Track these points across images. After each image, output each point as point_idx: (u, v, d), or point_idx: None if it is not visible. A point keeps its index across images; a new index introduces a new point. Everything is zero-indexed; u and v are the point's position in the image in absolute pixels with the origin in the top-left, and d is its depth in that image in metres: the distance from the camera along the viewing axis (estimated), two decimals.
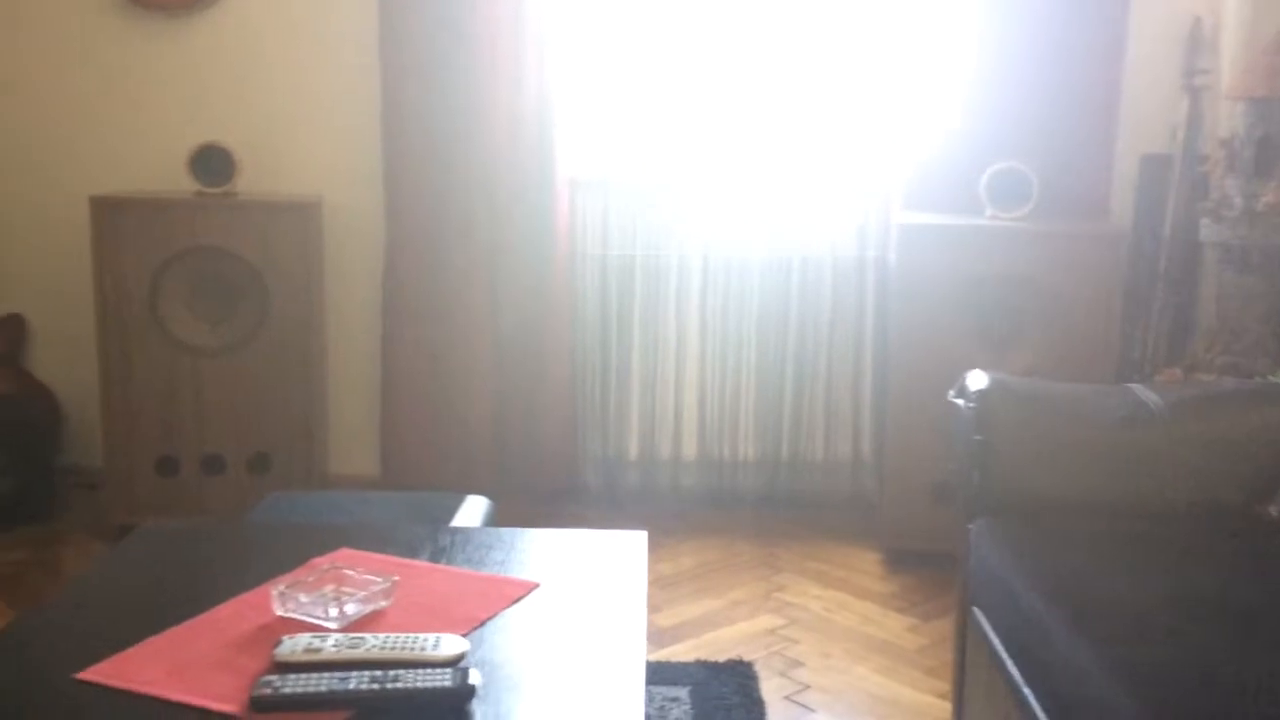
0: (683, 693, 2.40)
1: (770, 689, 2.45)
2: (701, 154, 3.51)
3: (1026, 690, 1.72)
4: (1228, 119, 3.10)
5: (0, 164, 3.52)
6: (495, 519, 2.24)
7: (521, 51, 3.34)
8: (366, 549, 1.71)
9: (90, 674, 1.30)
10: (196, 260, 3.19)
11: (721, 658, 2.56)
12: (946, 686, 2.42)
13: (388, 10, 3.34)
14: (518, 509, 3.31)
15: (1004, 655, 1.84)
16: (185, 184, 3.25)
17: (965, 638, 2.11)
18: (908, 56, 3.36)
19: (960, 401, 2.13)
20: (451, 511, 2.22)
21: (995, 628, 1.91)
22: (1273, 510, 1.98)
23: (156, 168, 3.43)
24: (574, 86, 3.41)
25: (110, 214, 3.12)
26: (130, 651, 1.35)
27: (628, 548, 1.78)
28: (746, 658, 2.57)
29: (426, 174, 3.39)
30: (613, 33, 3.46)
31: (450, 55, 3.32)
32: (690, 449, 3.63)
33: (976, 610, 2.02)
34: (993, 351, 3.07)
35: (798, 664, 2.58)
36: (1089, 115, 3.28)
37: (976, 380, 2.14)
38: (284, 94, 3.48)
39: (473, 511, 2.25)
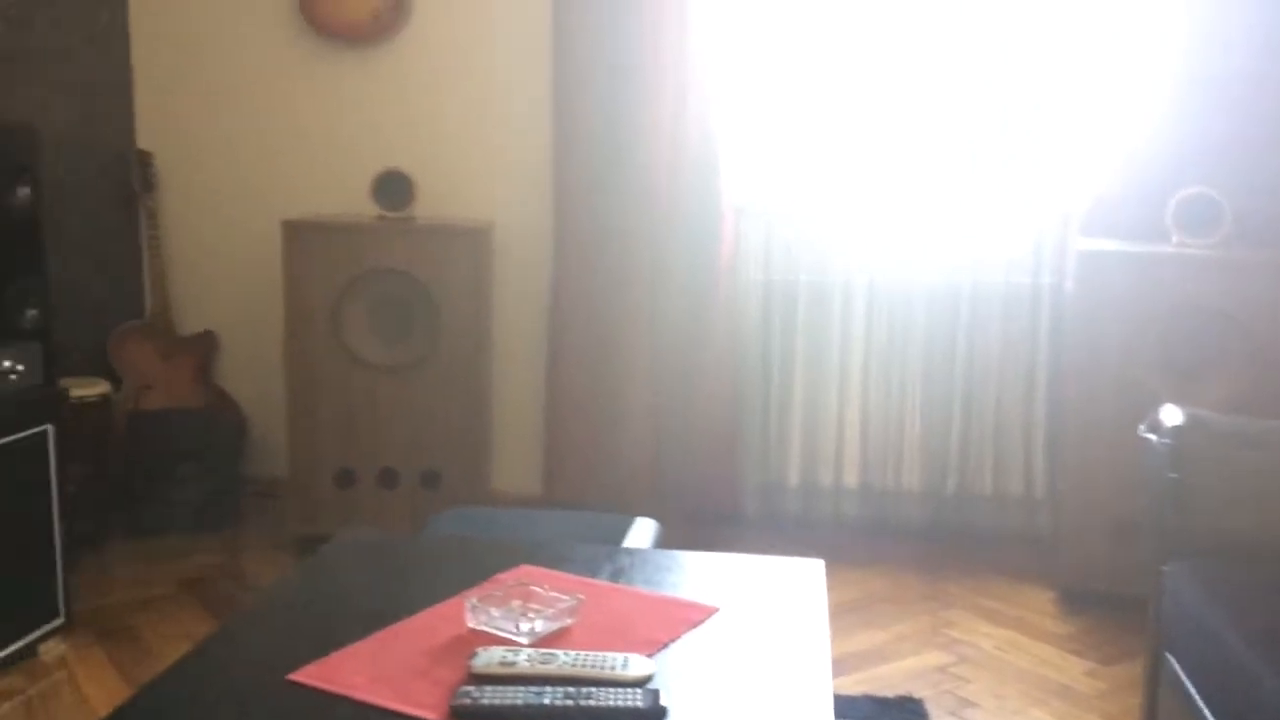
0: None
1: None
2: (868, 178, 3.48)
3: None
4: None
5: (198, 190, 3.75)
6: (663, 542, 2.25)
7: (685, 82, 3.37)
8: (547, 566, 1.74)
9: (301, 675, 1.36)
10: (376, 282, 3.32)
11: (890, 693, 2.51)
12: None
13: (559, 43, 3.42)
14: (678, 532, 3.32)
15: (1202, 706, 1.75)
16: (367, 208, 3.39)
17: (1156, 684, 2.01)
18: (1091, 75, 3.25)
19: (1153, 437, 2.04)
20: (622, 532, 2.25)
21: (1191, 675, 1.82)
22: None
23: (341, 193, 3.60)
24: (738, 114, 3.42)
25: (300, 237, 3.28)
26: (335, 656, 1.41)
27: (805, 576, 1.77)
28: (916, 694, 2.51)
29: (593, 201, 3.45)
30: (779, 58, 3.46)
31: (618, 87, 3.38)
32: (852, 477, 3.58)
33: (1170, 657, 1.92)
34: (1180, 386, 2.92)
35: (970, 704, 2.51)
36: None
37: (1171, 415, 2.05)
38: (460, 122, 3.60)
39: (642, 533, 2.27)
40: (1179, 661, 1.88)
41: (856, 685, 2.56)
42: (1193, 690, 1.80)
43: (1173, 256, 2.96)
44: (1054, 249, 3.38)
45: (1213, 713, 1.71)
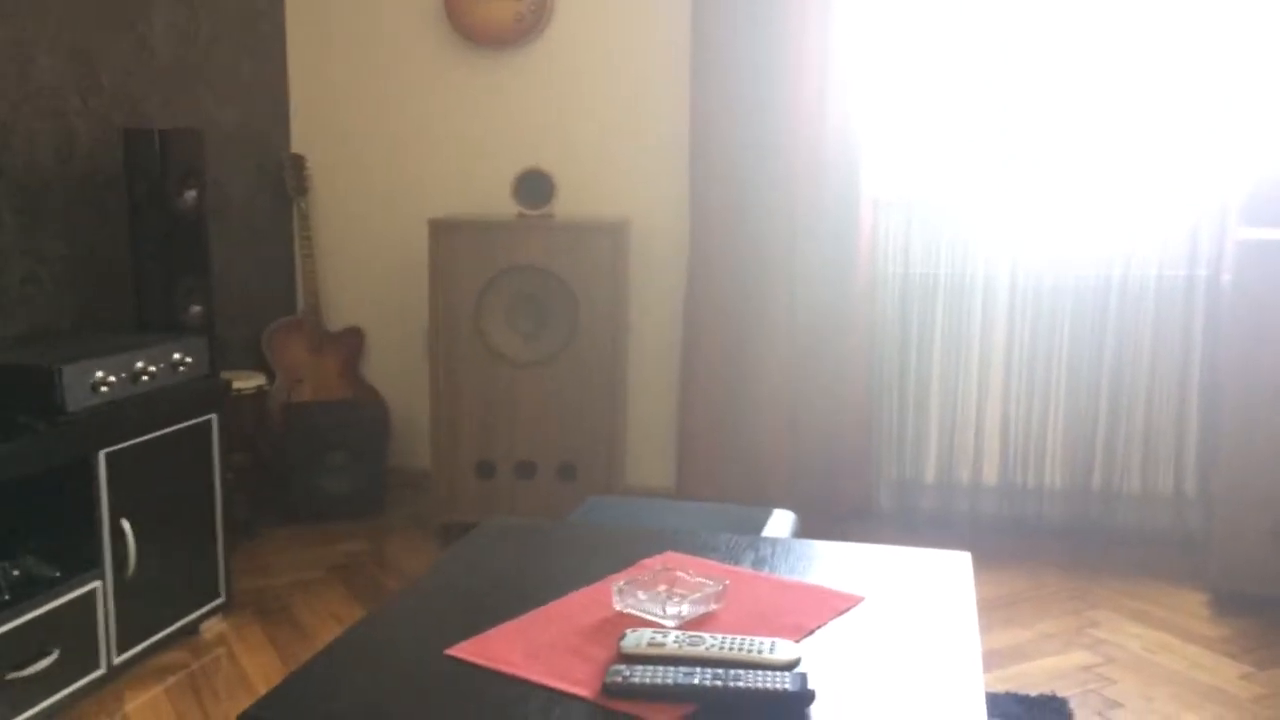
0: None
1: None
2: (1010, 166, 3.40)
3: None
4: None
5: (348, 191, 3.90)
6: (801, 533, 2.26)
7: (826, 74, 3.36)
8: (691, 553, 1.77)
9: (458, 650, 1.41)
10: (516, 278, 3.40)
11: (1033, 691, 2.46)
12: None
13: (699, 41, 3.44)
14: (812, 526, 3.31)
15: None
16: (509, 206, 3.48)
17: None
18: (1256, 52, 3.10)
19: None
20: (761, 523, 2.26)
21: None
22: None
23: (483, 192, 3.70)
24: (878, 106, 3.39)
25: (445, 235, 3.38)
26: (491, 633, 1.46)
27: (952, 568, 1.75)
28: (1060, 693, 2.45)
29: (729, 197, 3.47)
30: (919, 48, 3.42)
31: (757, 81, 3.39)
32: (991, 475, 3.51)
33: None
34: None
35: (1117, 705, 2.44)
36: None
37: None
38: (599, 121, 3.67)
39: (781, 524, 2.28)
40: None
41: (999, 683, 2.52)
42: None
43: None
44: (1211, 239, 3.26)
45: None
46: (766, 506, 2.38)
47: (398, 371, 3.88)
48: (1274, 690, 2.49)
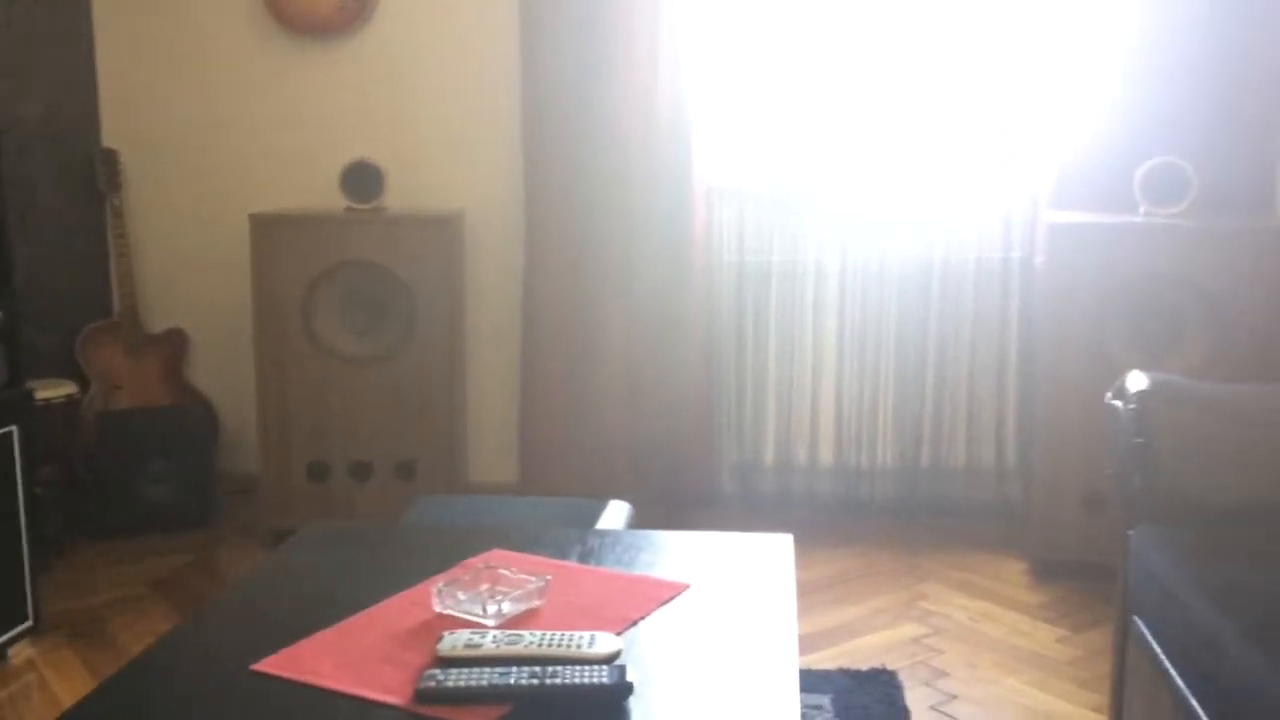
0: (825, 700, 2.37)
1: (915, 699, 2.40)
2: (838, 157, 3.48)
3: (1194, 702, 1.65)
4: None
5: (165, 187, 3.72)
6: (636, 523, 2.26)
7: (658, 64, 3.36)
8: (517, 550, 1.74)
9: (265, 665, 1.35)
10: (346, 274, 3.31)
11: (864, 666, 2.53)
12: (1101, 699, 2.34)
13: (528, 29, 3.41)
14: (654, 515, 3.32)
15: (1169, 667, 1.77)
16: (337, 200, 3.38)
17: (1125, 649, 2.03)
18: (1056, 47, 3.25)
19: (1119, 404, 2.06)
20: (595, 516, 2.25)
21: (1159, 638, 1.84)
22: None
23: (310, 185, 3.58)
24: (710, 95, 3.42)
25: (268, 230, 3.27)
26: (301, 644, 1.41)
27: (774, 551, 1.77)
28: (890, 666, 2.53)
29: (565, 186, 3.45)
30: (747, 39, 3.46)
31: (588, 69, 3.37)
32: (827, 455, 3.59)
33: (1138, 620, 1.94)
34: (1148, 355, 2.95)
35: (943, 674, 2.53)
36: (1250, 105, 3.14)
37: (1136, 381, 2.07)
38: (429, 111, 3.59)
39: (615, 516, 2.27)
40: (1146, 625, 1.89)
41: (832, 660, 2.58)
42: (1159, 652, 1.82)
43: (1140, 226, 2.98)
44: (1024, 223, 3.40)
45: (1179, 673, 1.72)
46: (605, 499, 2.37)
47: (225, 374, 3.73)
48: (1088, 652, 2.61)
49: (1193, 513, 1.95)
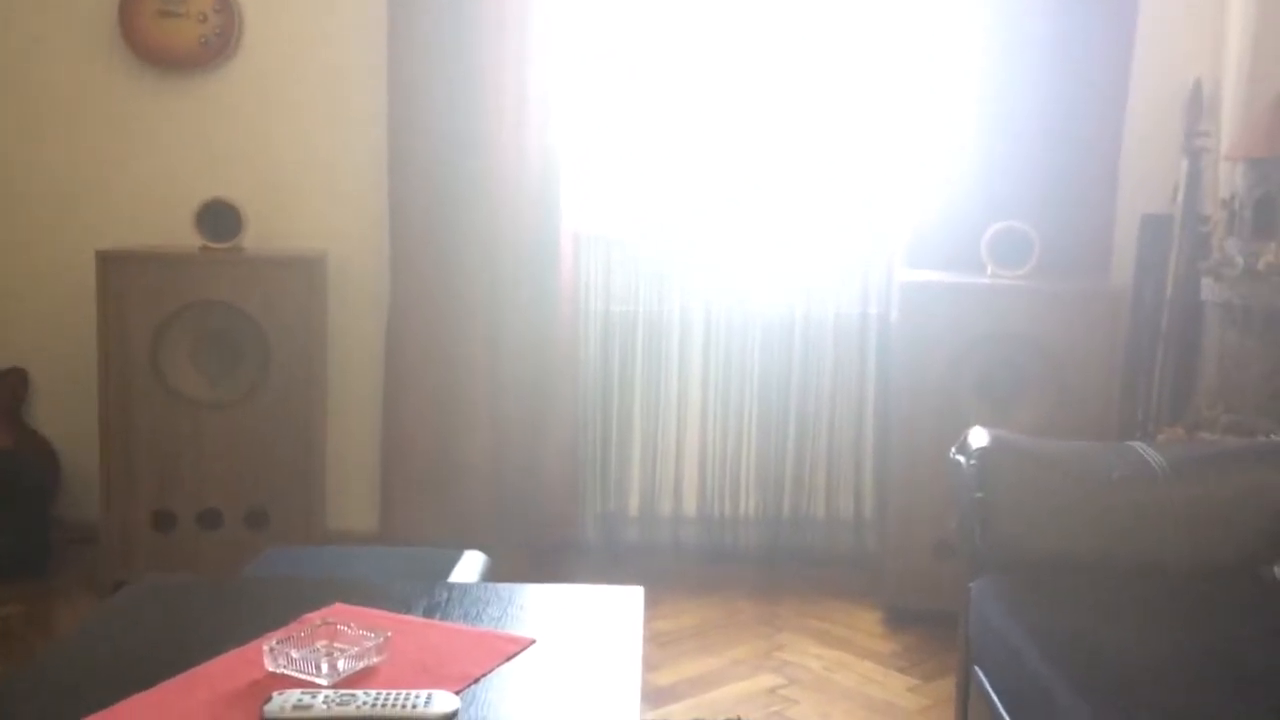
0: None
1: None
2: (705, 210, 3.54)
3: None
4: (1228, 179, 3.12)
5: (6, 218, 3.55)
6: (493, 574, 2.23)
7: (525, 109, 3.38)
8: (360, 604, 1.70)
9: None
10: (200, 315, 3.21)
11: (720, 718, 2.53)
12: None
13: (395, 69, 3.38)
14: (517, 565, 3.29)
15: (1004, 715, 1.82)
16: (191, 239, 3.27)
17: (967, 698, 2.08)
18: (911, 117, 3.39)
19: (961, 459, 2.13)
20: (449, 567, 2.21)
21: (996, 687, 1.89)
22: (1275, 571, 1.96)
23: (163, 223, 3.46)
24: (578, 144, 3.45)
25: (115, 268, 3.14)
26: (118, 708, 1.33)
27: (624, 603, 1.77)
28: (746, 718, 2.53)
29: (430, 230, 3.42)
30: (618, 90, 3.51)
31: (455, 114, 3.36)
32: (691, 505, 3.61)
33: (978, 669, 1.99)
34: (995, 410, 3.06)
35: None
36: (1090, 175, 3.31)
37: (978, 438, 2.14)
38: (291, 151, 3.52)
39: (470, 567, 2.24)
40: (985, 675, 1.95)
41: (688, 711, 2.57)
42: (998, 702, 1.86)
43: (987, 287, 3.10)
44: (880, 280, 3.50)
45: None
46: (461, 549, 2.33)
47: (68, 416, 3.55)
48: (937, 700, 2.67)
49: (1029, 565, 2.02)
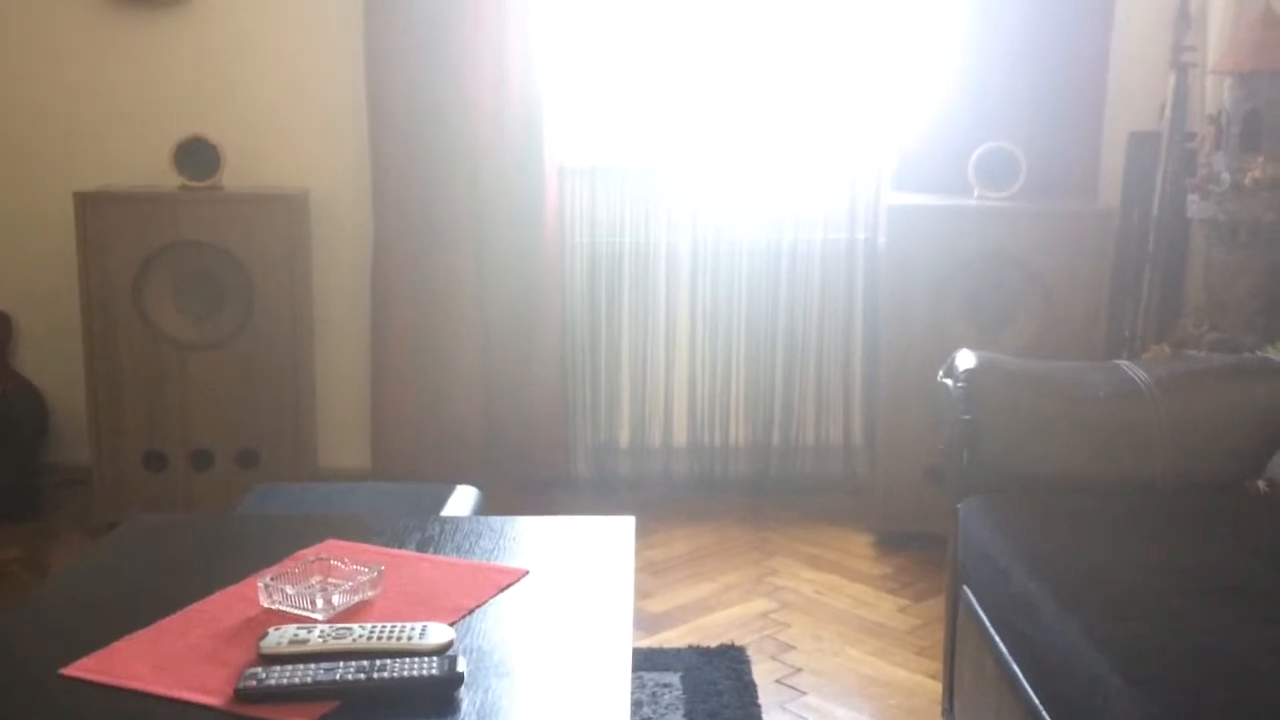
0: (674, 678, 2.40)
1: (762, 672, 2.45)
2: (689, 139, 3.50)
3: (1015, 667, 1.72)
4: (1215, 95, 3.10)
5: None
6: (484, 508, 2.24)
7: (507, 39, 3.32)
8: (353, 540, 1.71)
9: (75, 669, 1.29)
10: (182, 255, 3.18)
11: (713, 643, 2.56)
12: (938, 666, 2.42)
13: (374, 1, 3.31)
14: (508, 499, 3.30)
15: (993, 633, 1.84)
16: (170, 178, 3.23)
17: (955, 617, 2.11)
18: (895, 38, 3.34)
19: (949, 381, 2.13)
20: (441, 501, 2.22)
21: (984, 606, 1.91)
22: (1260, 485, 1.98)
23: (141, 162, 3.41)
24: (561, 73, 3.39)
25: (94, 209, 3.11)
26: (115, 646, 1.34)
27: (616, 533, 1.78)
28: (738, 642, 2.57)
29: (413, 164, 3.38)
30: (600, 18, 3.45)
31: (435, 44, 3.30)
32: (681, 436, 3.62)
33: (966, 589, 2.02)
34: (983, 332, 3.07)
35: (789, 647, 2.58)
36: (1076, 94, 3.28)
37: (965, 360, 2.14)
38: (269, 86, 3.46)
39: (462, 501, 2.25)
40: (973, 593, 1.97)
41: (682, 638, 2.61)
42: (986, 621, 1.89)
43: (974, 209, 3.09)
44: (867, 205, 3.48)
45: (1001, 639, 1.80)
46: (453, 484, 2.34)
47: (54, 360, 3.54)
48: (927, 620, 2.71)
49: (1016, 485, 2.03)
